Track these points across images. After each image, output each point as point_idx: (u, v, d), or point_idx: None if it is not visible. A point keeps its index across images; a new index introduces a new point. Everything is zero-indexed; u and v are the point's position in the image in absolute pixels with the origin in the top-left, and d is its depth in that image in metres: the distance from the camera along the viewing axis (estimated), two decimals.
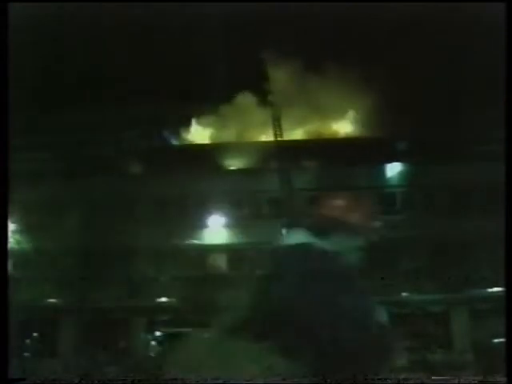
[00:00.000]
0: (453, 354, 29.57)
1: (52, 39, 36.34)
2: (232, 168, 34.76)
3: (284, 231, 31.87)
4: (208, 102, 39.16)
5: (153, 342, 33.22)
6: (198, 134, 40.13)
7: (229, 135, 38.60)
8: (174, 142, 38.85)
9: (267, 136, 35.48)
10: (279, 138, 33.12)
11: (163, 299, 32.69)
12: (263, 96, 37.30)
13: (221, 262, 33.50)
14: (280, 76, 35.67)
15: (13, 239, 31.31)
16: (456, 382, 22.33)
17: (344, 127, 38.45)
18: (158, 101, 37.88)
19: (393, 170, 34.18)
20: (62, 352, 31.70)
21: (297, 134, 35.62)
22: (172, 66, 38.95)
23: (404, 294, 31.61)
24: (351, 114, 39.00)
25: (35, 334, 32.95)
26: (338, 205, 2.99)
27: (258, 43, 37.40)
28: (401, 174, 34.13)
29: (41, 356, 31.31)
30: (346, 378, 2.60)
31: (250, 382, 2.50)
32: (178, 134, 39.39)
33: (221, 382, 2.58)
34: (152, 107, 37.78)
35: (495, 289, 28.46)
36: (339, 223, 2.91)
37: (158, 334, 33.27)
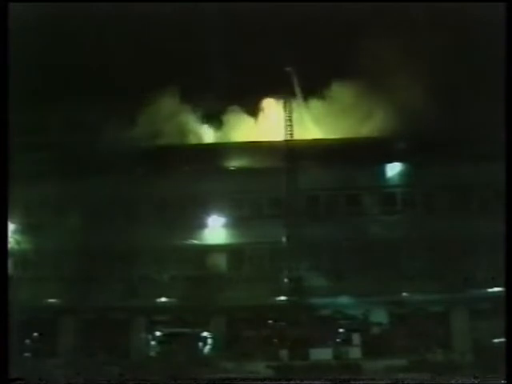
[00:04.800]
0: (453, 353, 29.57)
1: (48, 38, 36.29)
2: (232, 168, 34.74)
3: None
4: (209, 102, 39.19)
5: (153, 342, 33.24)
6: (200, 133, 40.08)
7: (233, 135, 38.60)
8: (176, 141, 38.68)
9: (270, 136, 35.56)
10: (290, 138, 33.37)
11: (163, 299, 32.70)
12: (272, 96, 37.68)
13: (221, 261, 33.50)
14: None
15: (13, 239, 31.35)
16: (456, 382, 22.39)
17: (345, 127, 38.39)
18: (159, 100, 37.89)
19: (393, 170, 34.19)
20: (62, 352, 31.70)
21: (299, 134, 35.49)
22: (173, 64, 38.89)
23: (404, 294, 31.61)
24: (352, 114, 38.94)
25: (35, 334, 32.95)
26: None
27: (265, 43, 37.54)
28: (401, 174, 34.14)
29: (41, 356, 31.34)
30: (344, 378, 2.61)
31: (245, 382, 2.51)
32: (179, 134, 39.30)
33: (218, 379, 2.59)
34: (153, 107, 37.79)
35: (495, 289, 28.47)
36: None
37: (157, 333, 33.28)
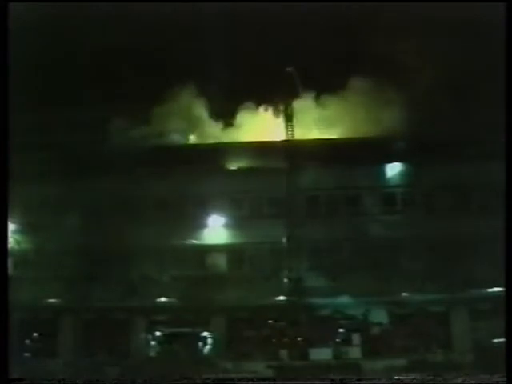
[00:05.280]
0: (453, 353, 29.57)
1: (48, 38, 36.33)
2: (232, 168, 34.75)
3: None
4: (209, 102, 39.20)
5: (153, 342, 33.24)
6: (201, 133, 40.05)
7: (234, 134, 38.58)
8: (177, 141, 38.67)
9: (271, 136, 35.54)
10: (291, 138, 33.41)
11: (163, 299, 32.70)
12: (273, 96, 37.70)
13: (221, 261, 33.50)
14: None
15: (13, 239, 31.35)
16: (456, 382, 22.37)
17: (345, 127, 38.43)
18: (159, 100, 37.87)
19: (393, 170, 34.21)
20: (62, 352, 31.72)
21: (300, 134, 35.51)
22: (173, 64, 38.92)
23: (404, 294, 31.62)
24: (352, 113, 38.95)
25: (35, 334, 32.95)
26: None
27: (265, 43, 37.60)
28: (401, 174, 34.15)
29: (41, 356, 31.34)
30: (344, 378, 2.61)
31: (245, 382, 2.51)
32: (180, 134, 39.30)
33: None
34: (154, 107, 37.78)
35: (495, 289, 28.48)
36: None
37: (157, 333, 33.28)
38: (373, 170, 33.65)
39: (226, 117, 39.23)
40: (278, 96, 36.25)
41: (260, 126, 38.35)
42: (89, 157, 33.86)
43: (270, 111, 38.83)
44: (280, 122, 34.90)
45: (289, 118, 33.94)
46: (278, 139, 34.13)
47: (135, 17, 35.71)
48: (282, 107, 35.02)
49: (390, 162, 34.04)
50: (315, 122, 37.80)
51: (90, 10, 34.26)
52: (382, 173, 34.21)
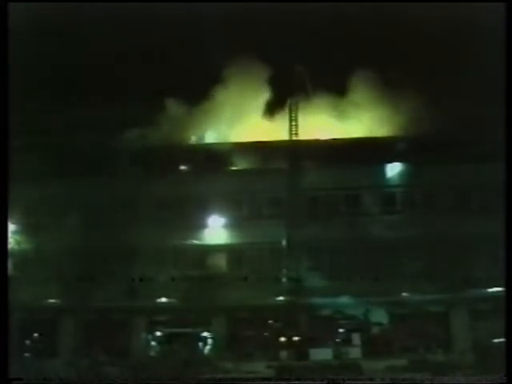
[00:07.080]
0: (453, 354, 29.58)
1: (48, 38, 36.36)
2: (233, 168, 34.75)
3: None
4: (209, 102, 39.20)
5: (153, 342, 33.24)
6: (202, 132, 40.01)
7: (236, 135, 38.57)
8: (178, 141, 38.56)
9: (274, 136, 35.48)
10: (294, 138, 33.32)
11: (163, 299, 32.70)
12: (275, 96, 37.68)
13: (221, 261, 33.50)
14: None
15: (13, 239, 31.34)
16: (456, 382, 22.41)
17: (345, 127, 38.39)
18: (160, 100, 37.86)
19: (393, 170, 34.21)
20: (62, 352, 31.71)
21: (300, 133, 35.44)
22: (173, 64, 38.95)
23: (404, 294, 31.62)
24: (352, 113, 38.93)
25: (35, 334, 32.95)
26: None
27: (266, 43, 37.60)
28: (401, 174, 34.16)
29: (40, 356, 31.34)
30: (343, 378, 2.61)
31: (245, 382, 2.51)
32: (179, 134, 39.25)
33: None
34: (153, 107, 37.77)
35: (495, 289, 28.48)
36: None
37: (158, 334, 33.29)
38: (373, 170, 33.65)
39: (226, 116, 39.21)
40: (285, 95, 36.10)
41: (264, 125, 38.32)
42: (88, 157, 33.83)
43: (276, 110, 38.73)
44: (285, 121, 34.67)
45: (293, 118, 33.78)
46: (280, 139, 34.06)
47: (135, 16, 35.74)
48: (287, 106, 34.80)
49: (390, 162, 34.05)
50: (322, 122, 37.69)
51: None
52: (382, 173, 34.22)
